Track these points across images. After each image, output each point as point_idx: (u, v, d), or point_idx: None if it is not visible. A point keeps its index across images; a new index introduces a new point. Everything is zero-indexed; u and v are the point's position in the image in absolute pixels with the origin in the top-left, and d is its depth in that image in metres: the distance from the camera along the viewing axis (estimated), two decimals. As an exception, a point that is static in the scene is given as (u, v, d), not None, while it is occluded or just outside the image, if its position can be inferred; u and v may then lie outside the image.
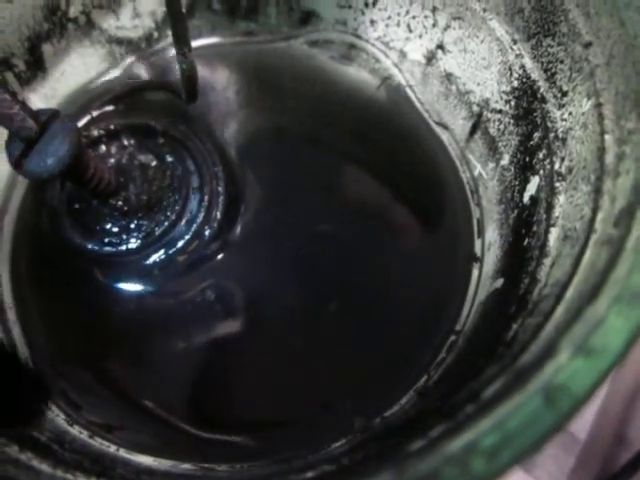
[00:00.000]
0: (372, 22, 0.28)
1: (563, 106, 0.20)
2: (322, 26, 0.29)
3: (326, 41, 0.30)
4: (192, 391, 0.22)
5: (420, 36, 0.27)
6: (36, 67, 0.26)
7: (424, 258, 0.26)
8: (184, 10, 0.25)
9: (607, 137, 0.17)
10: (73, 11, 0.26)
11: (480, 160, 0.26)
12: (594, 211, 0.16)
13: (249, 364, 0.23)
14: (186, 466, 0.21)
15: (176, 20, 0.20)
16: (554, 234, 0.18)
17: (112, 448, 0.20)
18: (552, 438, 0.11)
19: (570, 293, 0.14)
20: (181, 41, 0.21)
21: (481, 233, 0.26)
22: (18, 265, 0.25)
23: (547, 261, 0.18)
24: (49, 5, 0.25)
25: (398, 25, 0.27)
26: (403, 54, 0.28)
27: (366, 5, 0.28)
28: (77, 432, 0.20)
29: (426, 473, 0.10)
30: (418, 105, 0.29)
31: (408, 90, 0.29)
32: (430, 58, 0.27)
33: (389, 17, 0.27)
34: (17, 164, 0.20)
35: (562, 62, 0.20)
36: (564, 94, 0.20)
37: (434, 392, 0.21)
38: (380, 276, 0.26)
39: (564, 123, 0.20)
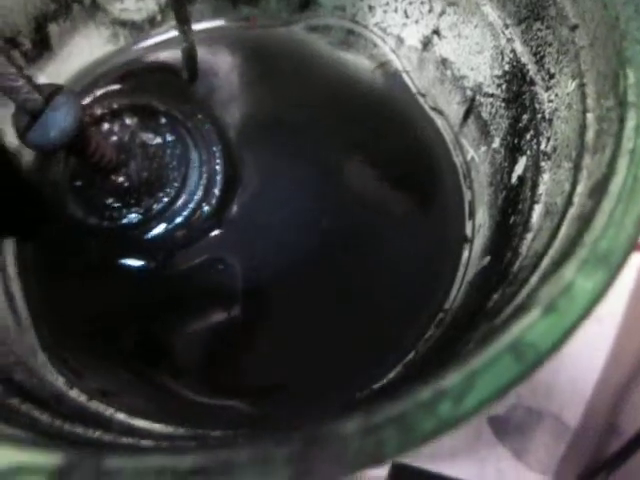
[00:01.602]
0: (370, 8, 0.29)
1: (550, 88, 0.20)
2: (321, 12, 0.30)
3: (325, 27, 0.30)
4: (188, 357, 0.23)
5: (417, 22, 0.27)
6: (42, 46, 0.27)
7: (417, 240, 0.27)
8: None
9: (589, 115, 0.17)
10: (78, -8, 0.27)
11: (473, 144, 0.26)
12: (573, 186, 0.16)
13: (244, 332, 0.24)
14: (181, 431, 0.21)
15: (181, 17, 0.21)
16: (537, 210, 0.19)
17: (109, 411, 0.21)
18: (516, 387, 0.12)
19: (545, 262, 0.15)
20: (182, 19, 0.22)
21: (472, 215, 0.26)
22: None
23: (529, 236, 0.18)
24: (55, -15, 0.26)
25: (395, 11, 0.28)
26: (400, 40, 0.29)
27: (364, -9, 0.28)
28: (75, 395, 0.21)
29: (395, 416, 0.11)
30: (414, 90, 0.29)
31: (405, 76, 0.29)
32: (426, 44, 0.28)
33: (387, 3, 0.28)
34: (22, 135, 0.20)
35: (550, 45, 0.20)
36: (551, 76, 0.20)
37: (419, 365, 0.22)
38: (374, 257, 0.26)
39: (550, 104, 0.20)
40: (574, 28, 0.19)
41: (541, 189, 0.19)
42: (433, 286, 0.26)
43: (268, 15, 0.31)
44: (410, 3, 0.27)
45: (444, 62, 0.27)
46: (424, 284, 0.26)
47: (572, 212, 0.16)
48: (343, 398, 0.22)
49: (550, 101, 0.20)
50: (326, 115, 0.30)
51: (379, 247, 0.27)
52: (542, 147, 0.20)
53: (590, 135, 0.17)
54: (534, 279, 0.15)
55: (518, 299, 0.14)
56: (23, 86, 0.19)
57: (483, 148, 0.26)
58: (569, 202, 0.16)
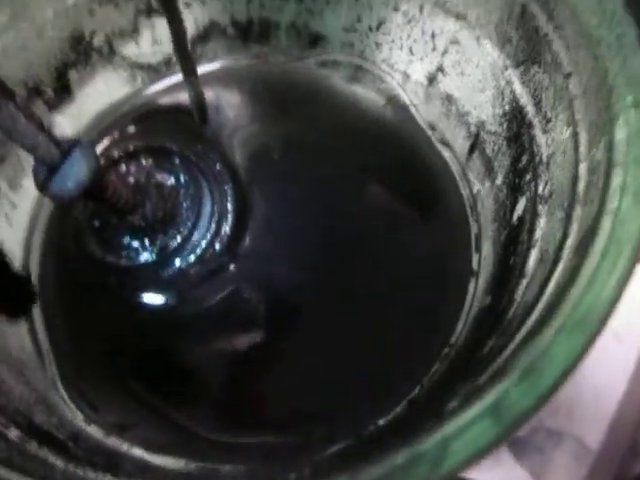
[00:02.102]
0: (377, 45, 0.29)
1: (547, 132, 0.21)
2: (330, 48, 0.31)
3: (334, 62, 0.31)
4: (201, 395, 0.24)
5: (421, 59, 0.28)
6: (63, 92, 0.28)
7: (425, 271, 0.27)
8: (191, 45, 0.27)
9: (581, 165, 0.18)
10: (97, 41, 0.28)
11: (478, 178, 0.27)
12: (564, 237, 0.17)
13: (255, 371, 0.25)
14: (192, 465, 0.22)
15: (182, 56, 0.22)
16: (533, 256, 0.19)
17: (124, 446, 0.22)
18: (496, 449, 0.12)
19: (532, 317, 0.15)
20: (188, 72, 0.23)
21: (478, 249, 0.27)
22: (46, 276, 0.27)
23: (524, 282, 0.19)
24: (75, 37, 0.27)
25: (401, 48, 0.28)
26: (406, 75, 0.29)
27: (370, 29, 0.29)
28: (93, 431, 0.22)
29: (377, 477, 0.12)
30: (422, 124, 0.30)
31: (412, 109, 0.30)
32: (431, 80, 0.28)
33: (392, 41, 0.29)
34: (42, 187, 0.22)
35: (547, 89, 0.21)
36: (548, 120, 0.21)
37: (423, 401, 0.22)
38: (382, 289, 0.27)
39: (548, 148, 0.20)
40: (568, 76, 0.19)
41: (537, 234, 0.19)
42: (440, 319, 0.26)
43: (279, 52, 0.31)
44: (415, 41, 0.28)
45: (449, 98, 0.28)
46: (431, 317, 0.26)
47: (560, 266, 0.16)
48: (348, 435, 0.23)
49: (547, 145, 0.20)
50: (336, 148, 0.30)
51: (387, 276, 0.27)
52: (540, 190, 0.20)
53: (582, 186, 0.17)
54: (520, 335, 0.15)
55: (504, 355, 0.15)
56: (43, 142, 0.21)
57: (487, 183, 0.26)
58: (559, 254, 0.16)
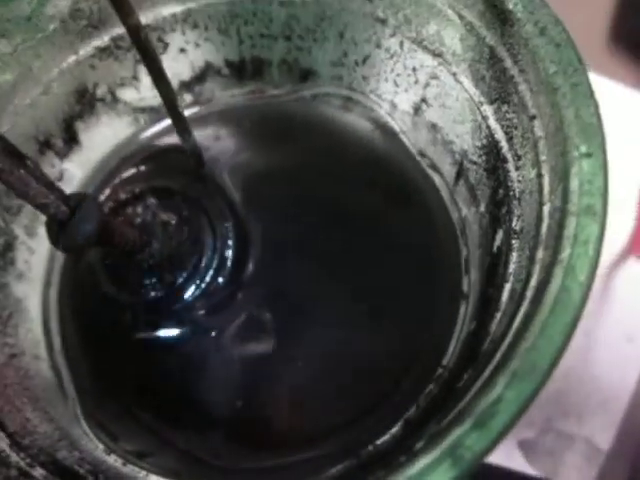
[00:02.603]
0: (364, 77, 0.31)
1: (518, 169, 0.22)
2: (320, 82, 0.32)
3: (325, 94, 0.32)
4: (208, 424, 0.26)
5: (406, 90, 0.29)
6: (72, 142, 0.30)
7: (417, 292, 0.29)
8: (189, 86, 0.29)
9: (544, 208, 0.19)
10: (100, 92, 0.30)
11: (465, 204, 0.28)
12: (527, 277, 0.18)
13: (256, 398, 0.27)
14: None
15: (174, 117, 0.23)
16: (506, 290, 0.20)
17: (142, 474, 0.24)
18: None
19: (496, 358, 0.17)
20: (182, 131, 0.24)
21: (467, 272, 0.28)
22: (64, 314, 0.29)
23: (498, 315, 0.20)
24: (79, 90, 0.29)
25: (386, 81, 0.30)
26: (394, 105, 0.30)
27: (356, 63, 0.30)
28: (112, 460, 0.24)
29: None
30: (412, 150, 0.31)
31: (402, 136, 0.31)
32: (417, 109, 0.29)
33: (378, 74, 0.30)
34: (53, 242, 0.24)
35: (516, 128, 0.22)
36: (519, 158, 0.22)
37: (418, 421, 0.24)
38: (376, 308, 0.28)
39: (520, 185, 0.22)
40: (532, 118, 0.20)
41: (511, 268, 0.21)
42: (432, 340, 0.28)
43: (272, 87, 0.33)
44: (398, 75, 0.29)
45: (434, 127, 0.29)
46: (425, 338, 0.28)
47: (523, 307, 0.17)
48: (348, 456, 0.24)
49: (519, 181, 0.22)
50: (332, 174, 0.32)
51: (381, 296, 0.29)
52: (513, 224, 0.22)
53: (544, 228, 0.18)
54: (483, 377, 0.16)
55: (469, 394, 0.16)
56: (53, 201, 0.23)
57: (473, 209, 0.27)
58: (522, 295, 0.18)
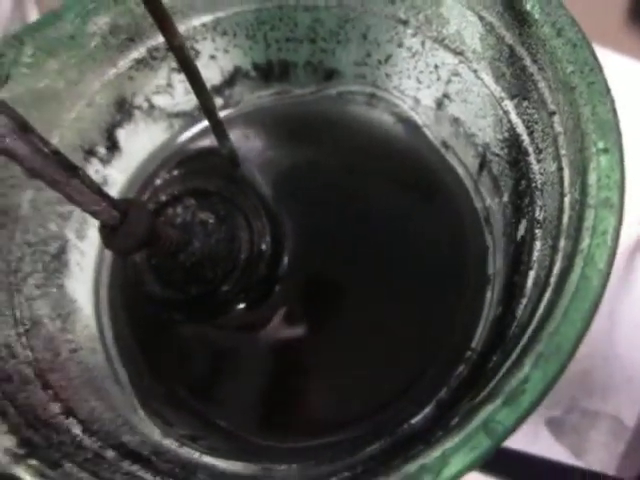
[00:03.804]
0: (387, 75, 0.32)
1: (540, 162, 0.23)
2: (344, 81, 0.33)
3: (350, 92, 0.34)
4: (254, 408, 0.28)
5: (428, 87, 0.30)
6: (113, 149, 0.32)
7: (444, 278, 0.30)
8: (220, 89, 0.30)
9: (565, 199, 0.20)
10: (137, 100, 0.32)
11: (489, 194, 0.29)
12: (551, 266, 0.19)
13: (303, 384, 0.29)
14: (253, 467, 0.26)
15: (214, 123, 0.25)
16: (530, 277, 0.22)
17: (196, 454, 0.26)
18: (487, 458, 0.15)
19: (523, 341, 0.18)
20: (220, 135, 0.26)
21: (492, 257, 0.29)
22: (115, 310, 0.31)
23: (523, 301, 0.21)
24: (119, 101, 0.31)
25: (409, 78, 0.31)
26: (417, 100, 0.32)
27: (379, 62, 0.31)
28: (169, 444, 0.26)
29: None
30: (435, 143, 0.32)
31: (425, 130, 0.32)
32: (439, 104, 0.31)
33: (400, 71, 0.31)
34: (107, 245, 0.26)
35: (537, 123, 0.23)
36: (540, 151, 0.23)
37: (448, 405, 0.25)
38: (406, 293, 0.30)
39: (541, 177, 0.23)
40: (552, 114, 0.21)
41: (534, 256, 0.22)
42: (462, 323, 0.29)
43: (298, 87, 0.34)
44: (420, 72, 0.30)
45: (456, 120, 0.30)
46: (453, 320, 0.29)
47: (547, 293, 0.19)
48: (381, 436, 0.26)
49: (540, 174, 0.23)
50: (359, 169, 0.33)
51: (411, 282, 0.30)
52: (536, 214, 0.23)
53: (565, 219, 0.20)
54: (513, 357, 0.18)
55: (499, 374, 0.18)
56: (105, 208, 0.25)
57: (496, 199, 0.28)
58: (547, 281, 0.19)
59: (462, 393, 0.24)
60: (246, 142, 0.34)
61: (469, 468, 0.15)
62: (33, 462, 0.17)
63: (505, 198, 0.27)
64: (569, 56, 0.20)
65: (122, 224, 0.26)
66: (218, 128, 0.26)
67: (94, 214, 0.25)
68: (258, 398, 0.29)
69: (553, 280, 0.19)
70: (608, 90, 0.19)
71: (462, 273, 0.30)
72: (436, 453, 0.15)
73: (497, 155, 0.27)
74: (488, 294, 0.29)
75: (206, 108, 0.23)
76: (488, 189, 0.29)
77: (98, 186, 0.25)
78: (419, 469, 0.15)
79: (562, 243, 0.19)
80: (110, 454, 0.21)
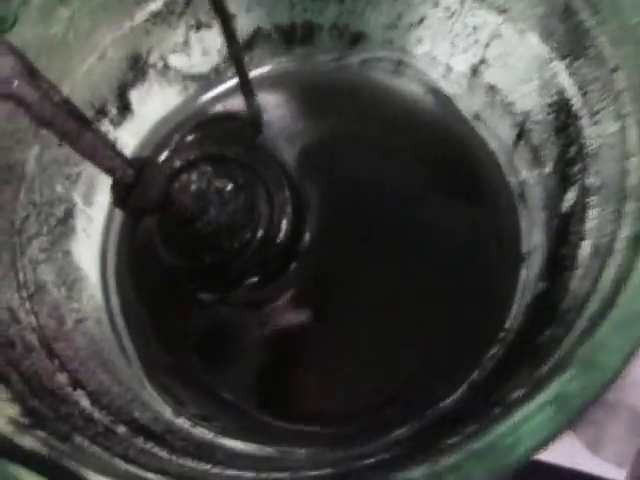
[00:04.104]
0: (418, 39, 0.30)
1: (595, 124, 0.21)
2: (371, 46, 0.31)
3: (376, 59, 0.32)
4: (270, 387, 0.26)
5: (464, 51, 0.29)
6: (125, 109, 0.30)
7: (475, 256, 0.28)
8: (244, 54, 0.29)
9: (632, 160, 0.18)
10: (152, 58, 0.30)
11: (526, 167, 0.28)
12: (615, 232, 0.18)
13: (319, 361, 0.27)
14: (268, 450, 0.25)
15: (243, 78, 0.23)
16: (584, 248, 0.20)
17: (210, 435, 0.24)
18: (560, 437, 0.14)
19: (587, 311, 0.16)
20: (248, 95, 0.24)
21: (528, 234, 0.27)
22: (122, 279, 0.30)
23: (577, 274, 0.20)
24: (133, 57, 0.29)
25: (443, 41, 0.29)
26: (449, 67, 0.30)
27: (411, 25, 0.30)
28: (182, 423, 0.24)
29: (453, 465, 0.13)
30: (466, 114, 0.30)
31: (456, 100, 0.31)
32: (475, 71, 0.29)
33: (434, 35, 0.29)
34: (118, 205, 0.24)
35: (593, 83, 0.21)
36: (595, 113, 0.21)
37: (484, 386, 0.24)
38: (433, 273, 0.28)
39: (595, 140, 0.21)
40: (614, 70, 0.20)
41: (588, 225, 0.20)
42: (493, 304, 0.27)
43: (322, 52, 0.33)
44: (457, 35, 0.28)
45: (493, 88, 0.28)
46: (485, 302, 0.28)
47: (613, 260, 0.17)
48: (412, 418, 0.24)
49: (595, 137, 0.21)
50: (383, 141, 0.32)
51: (438, 261, 0.28)
52: (589, 182, 0.21)
53: (632, 181, 0.18)
54: (577, 326, 0.16)
55: (562, 347, 0.16)
56: (119, 165, 0.23)
57: (535, 172, 0.27)
58: (611, 249, 0.17)
59: (504, 374, 0.22)
60: (265, 109, 0.32)
61: (540, 448, 0.13)
62: (41, 433, 0.16)
63: (547, 169, 0.25)
64: (635, 4, 0.18)
65: (136, 183, 0.24)
66: (245, 83, 0.24)
67: (107, 171, 0.23)
68: (273, 378, 0.27)
69: (620, 245, 0.17)
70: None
71: (492, 253, 0.29)
72: (505, 428, 0.13)
73: (539, 123, 0.26)
74: (523, 273, 0.27)
75: (236, 59, 0.22)
76: (525, 161, 0.27)
77: (110, 141, 0.23)
78: (488, 446, 0.13)
79: (629, 207, 0.17)
80: (122, 429, 0.20)
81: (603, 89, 0.20)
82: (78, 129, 0.22)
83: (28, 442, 0.15)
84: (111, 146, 0.23)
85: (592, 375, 0.14)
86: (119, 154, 0.23)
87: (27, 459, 0.14)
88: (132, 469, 0.16)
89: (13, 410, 0.16)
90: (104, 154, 0.23)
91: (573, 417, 0.13)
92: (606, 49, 0.20)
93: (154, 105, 0.31)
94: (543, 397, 0.14)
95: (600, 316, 0.15)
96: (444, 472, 0.13)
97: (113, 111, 0.29)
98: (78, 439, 0.16)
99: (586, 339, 0.14)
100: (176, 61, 0.31)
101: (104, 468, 0.14)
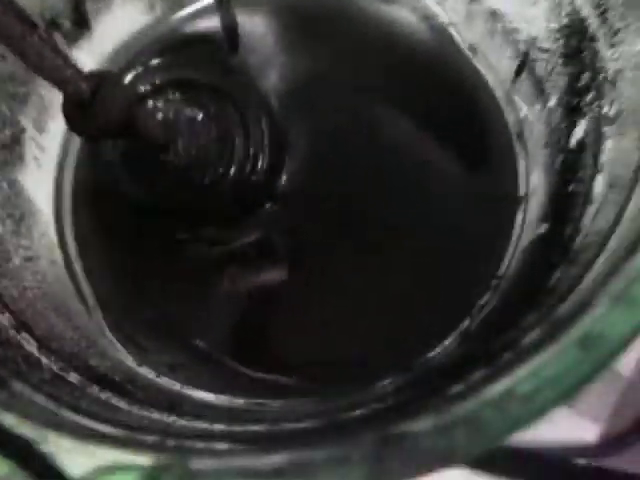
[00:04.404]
0: (412, -42, 0.27)
1: (614, 45, 0.19)
2: (362, -34, 0.28)
3: (366, -18, 0.29)
4: (243, 334, 0.24)
5: (463, -29, 0.26)
6: (81, 25, 0.26)
7: (466, 198, 0.26)
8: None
9: (659, 79, 0.16)
10: (113, -35, 0.26)
11: (526, 101, 0.25)
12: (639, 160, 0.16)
13: (298, 307, 0.25)
14: (240, 401, 0.23)
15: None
16: (600, 181, 0.18)
17: (176, 386, 0.22)
18: (587, 386, 0.12)
19: (612, 244, 0.14)
20: (224, 5, 0.21)
21: (526, 176, 0.25)
22: (79, 217, 0.27)
23: (591, 209, 0.18)
24: (90, -39, 0.25)
25: (440, -40, 0.26)
26: (446, -9, 0.27)
27: (407, -59, 0.27)
28: (145, 372, 0.22)
29: (465, 415, 0.11)
30: (462, 45, 0.28)
31: (451, 29, 0.28)
32: (475, -6, 0.26)
33: (430, -48, 0.26)
34: (72, 126, 0.21)
35: (614, -3, 0.19)
36: (616, 32, 0.19)
37: (476, 336, 0.22)
38: (425, 218, 0.26)
39: (615, 64, 0.19)
40: (642, -20, 0.17)
41: (604, 157, 0.18)
42: (485, 249, 0.26)
43: (305, -28, 0.29)
44: (456, -49, 0.25)
45: (494, 14, 0.26)
46: (475, 246, 0.26)
47: (637, 189, 0.15)
48: (398, 369, 0.22)
49: (614, 60, 0.19)
50: (370, 73, 0.29)
51: (427, 205, 0.26)
52: (604, 111, 0.19)
53: (660, 103, 0.16)
54: (600, 262, 0.14)
55: (583, 284, 0.14)
56: (71, 77, 0.20)
57: (538, 106, 0.24)
58: (637, 176, 0.15)
59: (501, 322, 0.20)
60: (246, 36, 0.29)
61: (568, 395, 0.12)
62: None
63: (551, 103, 0.23)
64: None
65: (92, 100, 0.21)
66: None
67: (57, 84, 0.20)
68: (246, 325, 0.25)
69: (647, 174, 0.15)
70: None
71: (485, 197, 0.27)
72: (522, 375, 0.12)
73: (546, 51, 0.23)
74: (518, 216, 0.25)
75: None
76: (527, 95, 0.25)
77: (62, 51, 0.20)
78: (503, 395, 0.11)
79: (656, 131, 0.15)
80: (74, 377, 0.17)
81: (627, 2, 0.18)
82: (21, 32, 0.19)
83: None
84: (62, 55, 0.20)
85: (624, 311, 0.12)
86: (71, 65, 0.20)
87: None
88: (80, 420, 0.13)
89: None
90: (53, 63, 0.19)
91: (607, 360, 0.11)
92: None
93: (115, 22, 0.28)
94: (567, 339, 0.12)
95: (632, 245, 0.13)
96: (453, 424, 0.11)
97: (67, 25, 0.26)
98: (17, 385, 0.14)
99: (616, 272, 0.12)
100: (141, -28, 0.27)
101: (45, 420, 0.12)
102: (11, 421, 0.11)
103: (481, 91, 0.28)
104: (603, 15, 0.20)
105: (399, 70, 0.29)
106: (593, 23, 0.20)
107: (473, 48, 0.28)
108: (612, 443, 0.38)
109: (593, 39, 0.20)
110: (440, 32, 0.28)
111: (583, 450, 0.38)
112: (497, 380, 0.12)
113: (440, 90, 0.28)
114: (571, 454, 0.38)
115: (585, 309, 0.12)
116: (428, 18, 0.28)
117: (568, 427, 0.41)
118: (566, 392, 0.11)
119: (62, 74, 0.19)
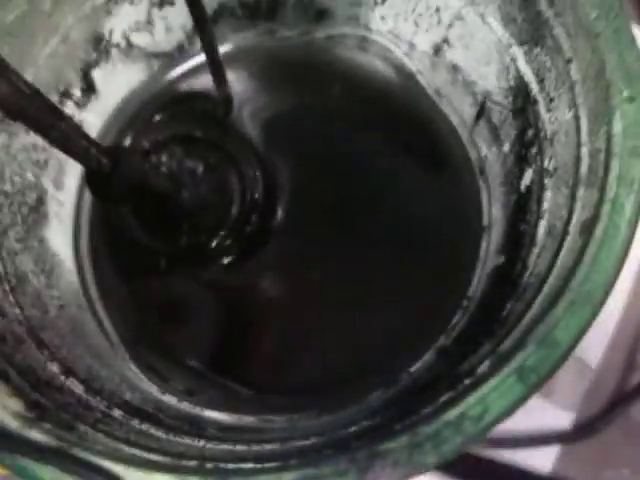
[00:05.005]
0: (382, 18, 0.30)
1: (551, 110, 0.23)
2: (334, 22, 0.32)
3: (341, 35, 0.32)
4: (248, 360, 0.28)
5: (427, 30, 0.29)
6: (89, 91, 0.30)
7: (437, 227, 0.30)
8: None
9: (583, 149, 0.20)
10: (115, 38, 0.29)
11: (485, 143, 0.29)
12: (569, 215, 0.19)
13: (293, 336, 0.28)
14: (249, 419, 0.26)
15: (216, 69, 0.23)
16: (542, 226, 0.22)
17: (196, 409, 0.26)
18: (523, 406, 0.16)
19: (545, 289, 0.18)
20: (221, 83, 0.24)
21: (488, 208, 0.29)
22: (97, 263, 0.30)
23: (535, 250, 0.21)
24: (95, 37, 0.28)
25: (406, 20, 0.30)
26: (412, 45, 0.31)
27: (375, 3, 0.30)
28: (168, 399, 0.25)
29: (431, 434, 0.15)
30: (429, 90, 0.32)
31: (419, 77, 0.32)
32: (437, 50, 0.30)
33: (397, 14, 0.30)
34: (96, 194, 0.24)
35: (549, 71, 0.23)
36: (551, 100, 0.23)
37: (451, 353, 0.26)
38: (399, 242, 0.30)
39: (551, 126, 0.23)
40: (569, 61, 0.21)
41: (545, 205, 0.22)
42: (456, 271, 0.29)
43: (286, 28, 0.33)
44: (420, 15, 0.29)
45: (455, 67, 0.29)
46: (447, 270, 0.29)
47: (567, 242, 0.19)
48: (381, 385, 0.26)
49: (551, 122, 0.23)
50: (349, 114, 0.32)
51: (403, 231, 0.30)
52: (545, 164, 0.23)
53: (584, 168, 0.20)
54: (537, 303, 0.18)
55: (524, 322, 0.18)
56: (95, 155, 0.23)
57: (494, 149, 0.28)
58: (565, 231, 0.19)
59: (469, 341, 0.24)
60: (234, 87, 0.32)
61: (505, 415, 0.15)
62: (47, 425, 0.16)
63: (506, 148, 0.27)
64: (593, 1, 0.20)
65: (113, 171, 0.24)
66: (217, 68, 0.24)
67: (82, 161, 0.23)
68: (248, 350, 0.29)
69: (573, 229, 0.19)
70: (633, 38, 0.19)
71: (454, 222, 0.30)
72: (475, 399, 0.15)
73: (499, 104, 0.27)
74: (483, 243, 0.29)
75: (207, 43, 0.22)
76: (485, 138, 0.29)
77: (84, 131, 0.23)
78: (460, 417, 0.15)
79: (581, 192, 0.19)
80: (118, 413, 0.21)
81: (559, 78, 0.22)
82: (51, 121, 0.22)
83: (36, 435, 0.16)
84: (85, 136, 0.23)
85: (548, 351, 0.16)
86: (94, 143, 0.23)
87: (38, 452, 0.15)
88: (136, 452, 0.17)
89: (16, 405, 0.17)
90: (78, 145, 0.23)
91: (532, 389, 0.15)
92: (562, 40, 0.21)
93: (119, 85, 0.31)
94: (506, 370, 0.16)
95: (556, 297, 0.17)
96: (423, 441, 0.15)
97: (77, 93, 0.29)
98: (82, 427, 0.17)
99: (543, 318, 0.16)
100: (139, 39, 0.30)
101: (111, 454, 0.16)
102: (90, 457, 0.15)
103: (447, 131, 0.31)
104: (542, 83, 0.23)
105: (374, 112, 0.32)
106: (534, 88, 0.24)
107: (439, 93, 0.31)
108: (585, 428, 0.42)
109: (535, 102, 0.24)
110: (409, 78, 0.32)
111: (559, 436, 0.43)
112: (456, 404, 0.16)
113: (410, 129, 0.32)
114: (548, 441, 0.42)
115: (521, 347, 0.16)
116: (397, 66, 0.32)
117: (544, 415, 0.45)
118: (507, 413, 0.15)
119: (87, 154, 0.23)
